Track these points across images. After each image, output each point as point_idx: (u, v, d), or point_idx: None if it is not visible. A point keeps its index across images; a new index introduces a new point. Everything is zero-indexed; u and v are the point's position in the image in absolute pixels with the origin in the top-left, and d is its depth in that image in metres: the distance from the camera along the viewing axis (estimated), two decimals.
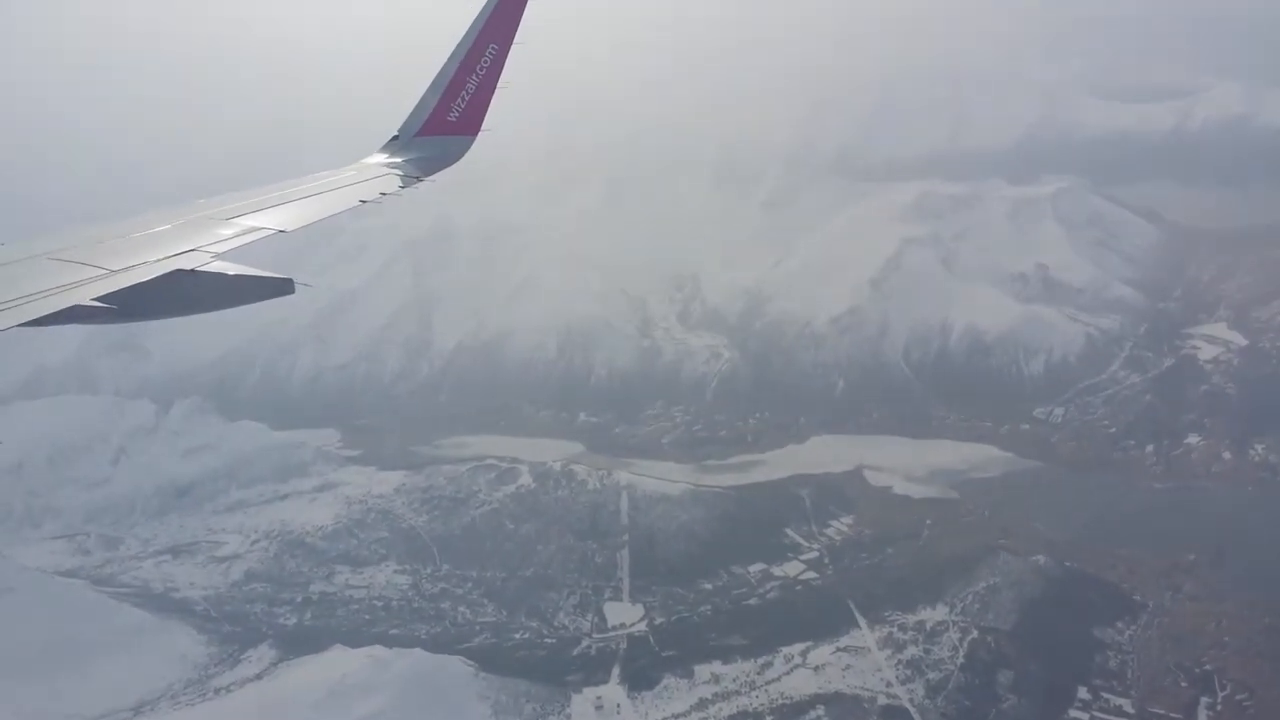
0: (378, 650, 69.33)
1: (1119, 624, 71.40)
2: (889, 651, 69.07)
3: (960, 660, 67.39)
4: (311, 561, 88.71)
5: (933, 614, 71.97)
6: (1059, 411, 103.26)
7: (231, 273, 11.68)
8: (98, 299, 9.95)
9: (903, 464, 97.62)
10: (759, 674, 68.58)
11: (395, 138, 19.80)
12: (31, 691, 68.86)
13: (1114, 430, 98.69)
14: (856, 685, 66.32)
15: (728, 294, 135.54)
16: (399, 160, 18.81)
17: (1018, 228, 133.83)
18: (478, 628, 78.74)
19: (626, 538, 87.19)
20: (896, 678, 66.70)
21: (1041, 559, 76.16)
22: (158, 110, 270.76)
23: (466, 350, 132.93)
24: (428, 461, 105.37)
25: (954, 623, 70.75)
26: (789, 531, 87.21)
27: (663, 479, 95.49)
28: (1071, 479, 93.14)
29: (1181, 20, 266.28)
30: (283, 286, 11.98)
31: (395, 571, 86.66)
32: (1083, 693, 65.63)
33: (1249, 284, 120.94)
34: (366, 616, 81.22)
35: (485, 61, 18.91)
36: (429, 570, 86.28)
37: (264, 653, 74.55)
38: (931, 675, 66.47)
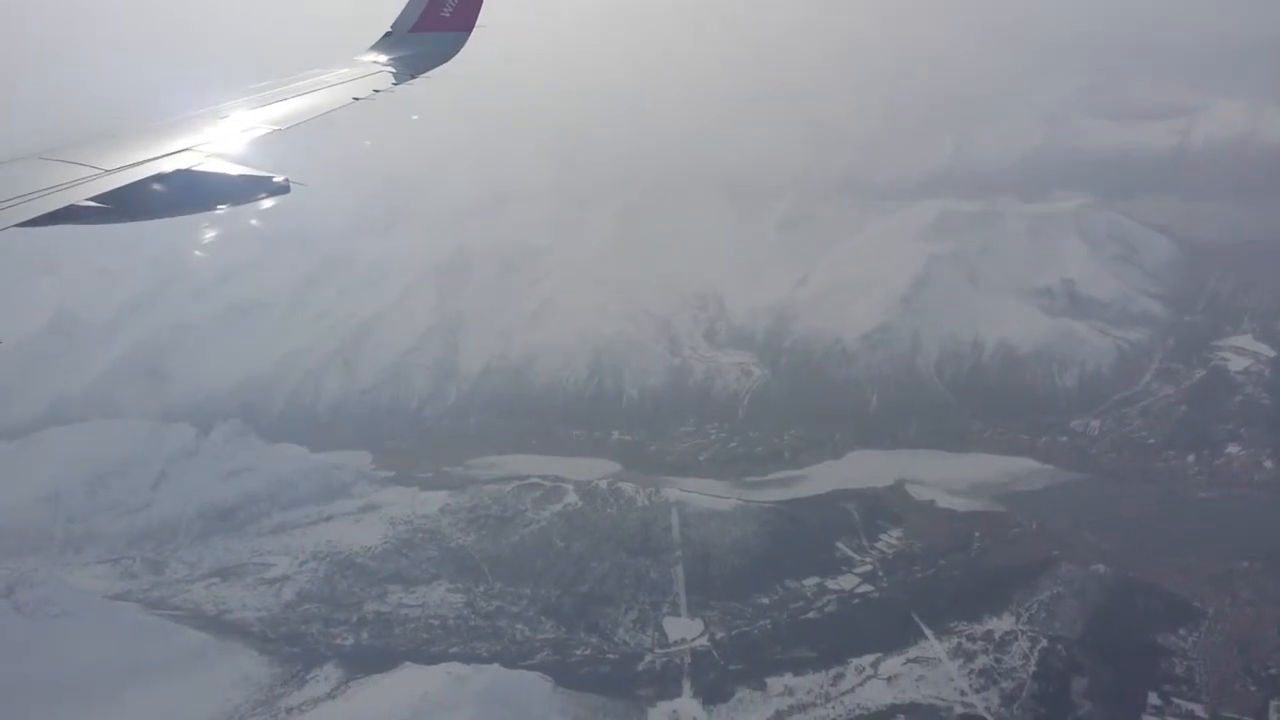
0: (454, 667, 69.37)
1: (1181, 631, 71.95)
2: (960, 661, 69.49)
3: (1032, 669, 67.91)
4: (363, 582, 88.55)
5: (1000, 624, 72.49)
6: (1095, 424, 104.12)
7: (227, 171, 11.80)
8: (93, 199, 9.95)
9: (944, 478, 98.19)
10: (832, 685, 68.89)
11: (388, 34, 19.73)
12: (100, 715, 68.52)
13: (1153, 441, 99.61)
14: (932, 695, 66.69)
15: (753, 312, 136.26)
16: (392, 57, 18.79)
17: (1040, 244, 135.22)
18: (538, 644, 78.73)
19: (679, 553, 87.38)
20: (970, 687, 67.08)
21: (1101, 568, 76.77)
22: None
23: (494, 372, 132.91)
24: (463, 482, 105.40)
25: (1022, 632, 71.27)
26: (840, 545, 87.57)
27: (711, 495, 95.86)
28: (1115, 490, 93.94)
29: (1173, 39, 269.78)
30: (278, 186, 12.05)
31: (448, 590, 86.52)
32: (1154, 699, 66.10)
33: (1270, 296, 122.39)
34: (425, 635, 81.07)
35: None
36: (482, 588, 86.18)
37: (330, 672, 74.38)
38: (1005, 684, 66.90)
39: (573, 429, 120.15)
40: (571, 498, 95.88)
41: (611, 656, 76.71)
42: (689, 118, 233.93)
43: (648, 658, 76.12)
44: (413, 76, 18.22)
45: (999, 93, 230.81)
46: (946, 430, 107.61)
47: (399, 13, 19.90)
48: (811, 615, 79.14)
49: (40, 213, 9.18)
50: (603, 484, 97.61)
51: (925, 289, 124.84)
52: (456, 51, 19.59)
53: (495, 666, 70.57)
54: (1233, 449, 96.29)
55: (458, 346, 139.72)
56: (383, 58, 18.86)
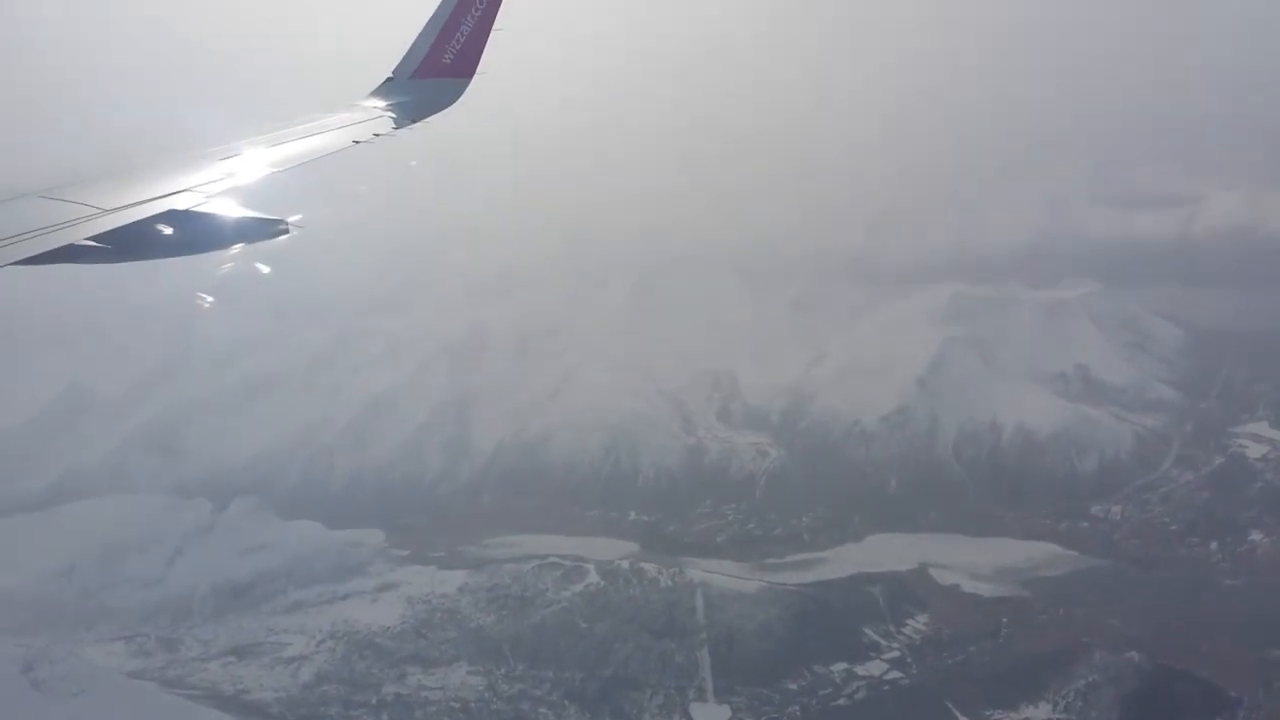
0: None
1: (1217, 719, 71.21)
2: None
3: None
4: (381, 663, 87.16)
5: (1036, 712, 71.63)
6: (1117, 509, 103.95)
7: (226, 213, 11.74)
8: (92, 238, 9.84)
9: (966, 562, 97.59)
10: None
11: (389, 80, 19.88)
12: None
13: (1175, 528, 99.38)
14: None
15: (767, 393, 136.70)
16: (392, 102, 18.78)
17: (1053, 329, 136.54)
18: None
19: (704, 636, 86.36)
20: None
21: (1135, 655, 75.97)
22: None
23: (508, 450, 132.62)
24: (479, 561, 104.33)
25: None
26: (867, 630, 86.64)
27: (734, 576, 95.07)
28: (1140, 576, 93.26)
29: (1171, 127, 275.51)
30: (279, 228, 11.97)
31: (468, 672, 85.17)
32: None
33: None
34: (446, 719, 79.70)
35: (481, 2, 19.23)
36: (503, 671, 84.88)
37: None
38: None
39: (588, 508, 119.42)
40: (593, 578, 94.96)
41: None
42: (690, 187, 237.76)
43: None
44: (413, 121, 18.30)
45: (1001, 179, 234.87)
46: (966, 513, 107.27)
47: (400, 59, 20.17)
48: (842, 702, 78.04)
49: (38, 251, 9.09)
50: (624, 564, 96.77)
51: (941, 372, 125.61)
52: (457, 98, 19.69)
53: None
54: (1255, 535, 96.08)
55: (470, 424, 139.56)
56: (383, 103, 18.91)
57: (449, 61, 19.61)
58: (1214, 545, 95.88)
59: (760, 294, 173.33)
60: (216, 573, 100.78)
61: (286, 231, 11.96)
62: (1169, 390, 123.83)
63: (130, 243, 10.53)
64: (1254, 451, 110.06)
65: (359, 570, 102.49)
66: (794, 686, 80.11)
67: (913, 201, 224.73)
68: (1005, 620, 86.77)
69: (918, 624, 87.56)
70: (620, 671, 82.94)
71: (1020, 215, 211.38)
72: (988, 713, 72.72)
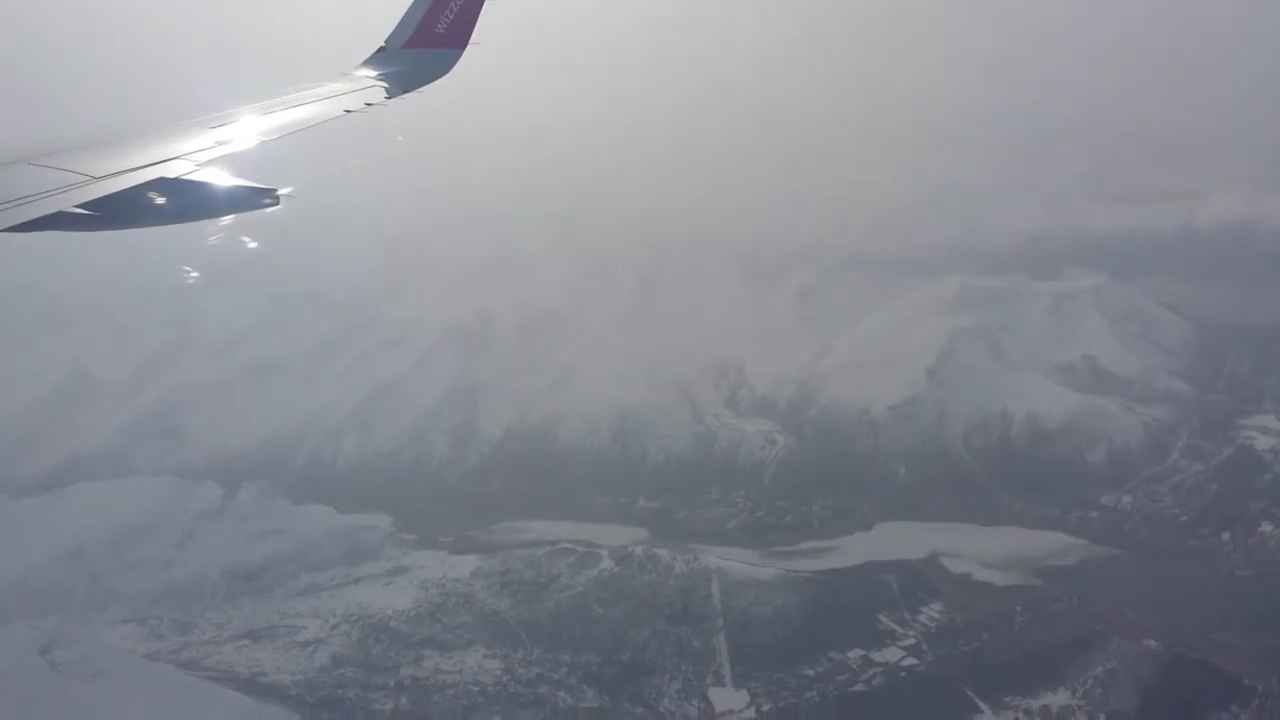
0: None
1: (1234, 708, 71.65)
2: None
3: None
4: (397, 646, 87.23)
5: (1055, 698, 71.95)
6: (1127, 500, 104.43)
7: (216, 182, 11.77)
8: (81, 206, 9.90)
9: (977, 551, 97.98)
10: None
11: (381, 49, 19.88)
12: None
13: (1186, 518, 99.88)
14: None
15: (774, 382, 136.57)
16: (385, 72, 18.84)
17: (1060, 321, 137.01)
18: (582, 713, 77.61)
19: (720, 622, 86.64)
20: None
21: (1153, 644, 76.48)
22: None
23: (515, 437, 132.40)
24: (489, 546, 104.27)
25: (1079, 707, 70.76)
26: (882, 618, 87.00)
27: (750, 564, 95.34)
28: (1151, 566, 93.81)
29: (1173, 120, 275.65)
30: (268, 197, 11.98)
31: (485, 656, 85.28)
32: None
33: None
34: (465, 702, 79.80)
35: None
36: (519, 655, 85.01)
37: None
38: None
39: (597, 495, 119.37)
40: (606, 563, 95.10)
41: None
42: (693, 171, 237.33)
43: None
44: (405, 92, 18.30)
45: (1005, 170, 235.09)
46: (976, 503, 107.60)
47: (393, 29, 20.09)
48: (859, 688, 78.32)
49: (27, 218, 9.13)
50: (638, 550, 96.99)
51: (950, 362, 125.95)
52: (450, 69, 19.68)
53: None
54: (1266, 527, 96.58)
55: (476, 411, 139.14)
56: (375, 72, 18.96)
57: (442, 32, 19.59)
58: (1225, 536, 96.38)
59: (765, 283, 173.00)
60: (227, 556, 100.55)
61: (277, 202, 11.94)
62: (1176, 382, 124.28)
63: (119, 210, 10.54)
64: (1262, 444, 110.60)
65: (370, 555, 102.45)
66: (811, 672, 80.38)
67: (917, 193, 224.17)
68: (1019, 608, 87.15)
69: (932, 612, 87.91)
70: (637, 656, 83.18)
71: (1024, 207, 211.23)
72: (1007, 698, 73.08)
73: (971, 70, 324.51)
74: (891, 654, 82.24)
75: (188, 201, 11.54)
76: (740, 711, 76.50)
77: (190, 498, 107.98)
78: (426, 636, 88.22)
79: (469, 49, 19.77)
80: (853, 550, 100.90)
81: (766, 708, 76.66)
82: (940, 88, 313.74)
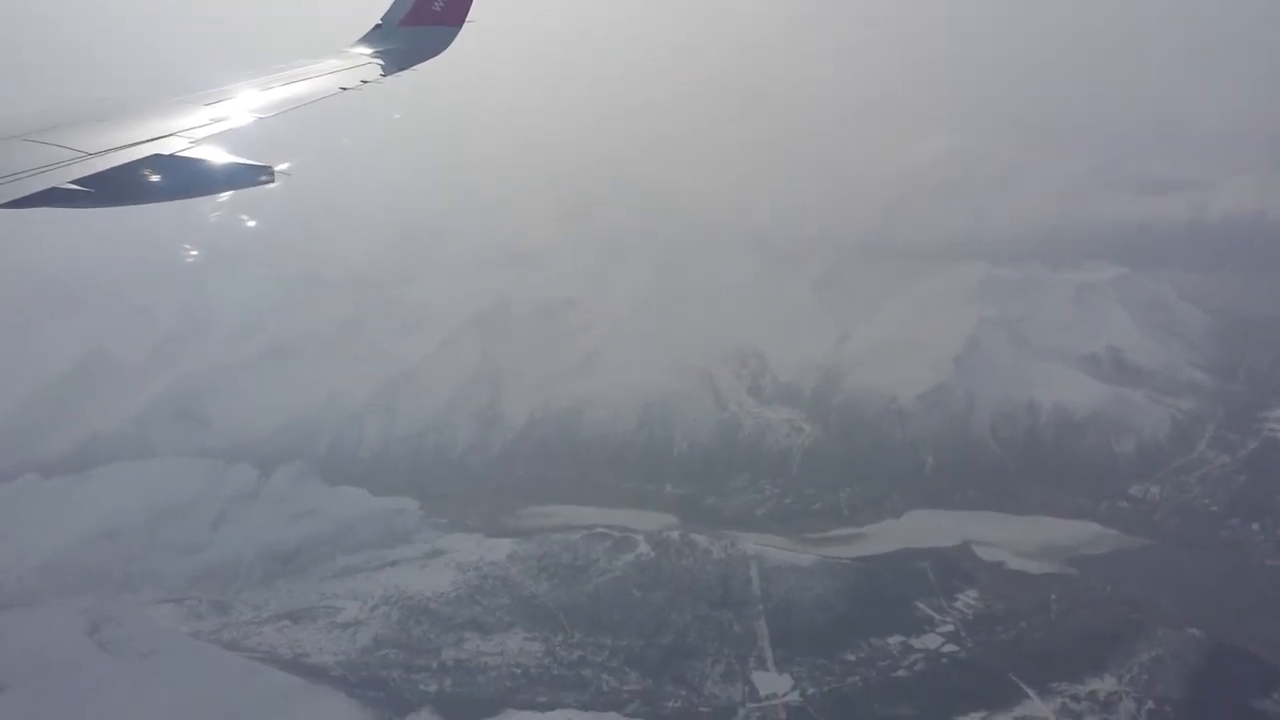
0: (573, 715, 68.88)
1: (1276, 695, 72.59)
2: None
3: None
4: (438, 628, 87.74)
5: (1102, 685, 72.79)
6: (1155, 490, 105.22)
7: (212, 158, 11.77)
8: (75, 182, 9.92)
9: (1009, 540, 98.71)
10: None
11: (378, 27, 19.96)
12: None
13: (1216, 509, 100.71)
14: None
15: (797, 370, 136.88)
16: (381, 50, 18.95)
17: (1084, 311, 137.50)
18: (626, 695, 78.19)
19: (761, 608, 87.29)
20: None
21: (1196, 632, 77.35)
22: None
23: (539, 423, 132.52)
24: (520, 530, 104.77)
25: (1126, 693, 71.55)
26: (919, 605, 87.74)
27: (788, 550, 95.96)
28: (1183, 556, 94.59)
29: (1187, 113, 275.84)
30: (264, 174, 11.97)
31: (525, 639, 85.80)
32: None
33: None
34: (509, 684, 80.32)
35: None
36: (560, 638, 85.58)
37: (427, 718, 73.62)
38: None
39: (623, 481, 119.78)
40: (643, 548, 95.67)
41: (704, 709, 76.25)
42: (703, 156, 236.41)
43: (741, 712, 75.80)
44: (401, 69, 18.31)
45: (1021, 161, 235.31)
46: (1005, 492, 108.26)
47: (389, 6, 20.03)
48: (902, 673, 79.07)
49: (21, 194, 9.14)
50: (674, 535, 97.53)
51: (976, 352, 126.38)
52: (446, 46, 19.74)
53: (612, 715, 70.07)
54: None
55: (500, 396, 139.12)
56: (371, 50, 18.99)
57: (439, 9, 19.64)
58: (1255, 527, 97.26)
59: (782, 270, 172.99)
60: (263, 538, 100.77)
61: (273, 179, 11.95)
62: (1199, 374, 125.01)
63: (114, 187, 10.56)
64: None
65: (405, 537, 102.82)
66: (852, 658, 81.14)
67: (928, 182, 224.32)
68: (1054, 597, 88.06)
69: (968, 599, 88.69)
70: (679, 640, 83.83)
71: (1035, 197, 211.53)
72: (1052, 684, 73.90)
73: (982, 57, 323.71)
74: (931, 640, 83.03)
75: (183, 178, 11.53)
76: (784, 695, 77.07)
77: (223, 480, 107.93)
78: (466, 619, 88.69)
79: (465, 26, 19.76)
80: (884, 538, 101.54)
81: (810, 692, 77.29)
82: (951, 76, 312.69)
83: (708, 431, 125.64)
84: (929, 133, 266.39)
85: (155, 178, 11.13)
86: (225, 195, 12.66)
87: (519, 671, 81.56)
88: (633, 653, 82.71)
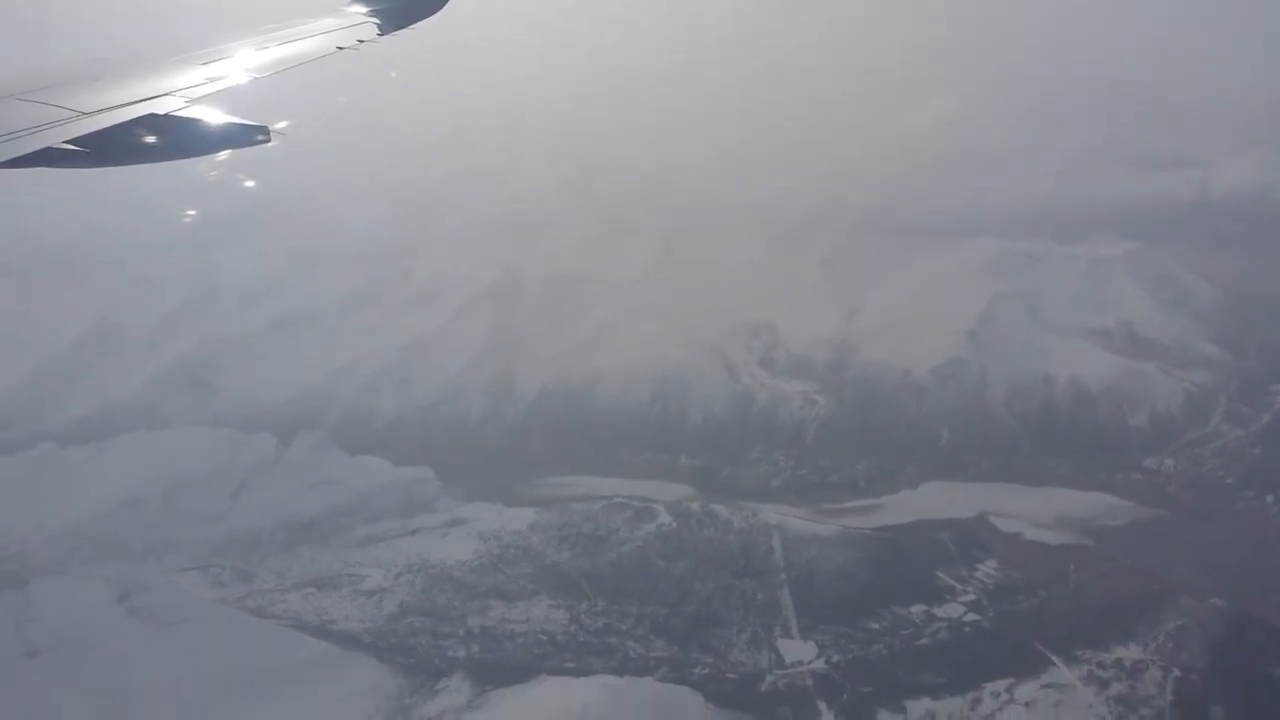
0: (608, 680, 69.52)
1: None
2: (1095, 688, 70.50)
3: (1169, 697, 69.01)
4: (462, 596, 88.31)
5: (1127, 653, 73.65)
6: (1169, 463, 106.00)
7: (207, 118, 11.78)
8: (70, 142, 9.88)
9: (1026, 511, 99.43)
10: (971, 710, 69.63)
11: None
12: None
13: (1230, 481, 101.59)
14: None
15: (809, 343, 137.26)
16: (377, 8, 18.77)
17: (1095, 285, 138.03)
18: (653, 661, 78.88)
19: (784, 577, 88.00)
20: (1111, 714, 68.06)
21: (1219, 601, 78.28)
22: None
23: (552, 395, 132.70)
24: (539, 501, 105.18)
25: (1152, 661, 72.46)
26: (940, 574, 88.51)
27: (809, 520, 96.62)
28: (1200, 527, 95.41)
29: (1178, 93, 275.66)
30: (260, 133, 11.96)
31: (550, 606, 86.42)
32: None
33: None
34: (536, 651, 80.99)
35: None
36: (584, 606, 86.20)
37: (459, 684, 74.30)
38: (1144, 711, 67.94)
39: (639, 453, 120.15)
40: (664, 518, 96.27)
41: (731, 676, 76.99)
42: (709, 123, 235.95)
43: (768, 678, 76.56)
44: (398, 28, 18.19)
45: (1029, 136, 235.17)
46: (1020, 465, 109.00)
47: None
48: (925, 641, 79.90)
49: (15, 155, 9.11)
50: (694, 505, 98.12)
51: (990, 325, 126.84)
52: (443, 5, 19.65)
53: (648, 680, 70.82)
54: None
55: (512, 368, 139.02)
56: (368, 8, 18.81)
57: None
58: (1270, 499, 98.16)
59: (791, 243, 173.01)
60: (284, 507, 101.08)
61: (269, 139, 11.91)
62: (1211, 348, 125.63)
63: (109, 147, 10.50)
64: None
65: (425, 507, 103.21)
66: (876, 626, 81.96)
67: (932, 157, 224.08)
68: (1073, 567, 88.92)
69: (987, 569, 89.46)
70: (704, 608, 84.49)
71: (1041, 172, 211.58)
72: (1078, 652, 74.80)
73: (991, 33, 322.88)
74: (953, 609, 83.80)
75: (179, 138, 11.49)
76: (810, 663, 77.86)
77: (242, 449, 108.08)
78: (490, 587, 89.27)
79: None
80: (901, 509, 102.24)
81: (835, 659, 78.12)
82: (959, 52, 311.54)
83: (721, 404, 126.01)
84: (938, 110, 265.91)
85: (151, 138, 11.10)
86: (222, 155, 12.63)
87: (545, 639, 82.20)
88: (658, 621, 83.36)
